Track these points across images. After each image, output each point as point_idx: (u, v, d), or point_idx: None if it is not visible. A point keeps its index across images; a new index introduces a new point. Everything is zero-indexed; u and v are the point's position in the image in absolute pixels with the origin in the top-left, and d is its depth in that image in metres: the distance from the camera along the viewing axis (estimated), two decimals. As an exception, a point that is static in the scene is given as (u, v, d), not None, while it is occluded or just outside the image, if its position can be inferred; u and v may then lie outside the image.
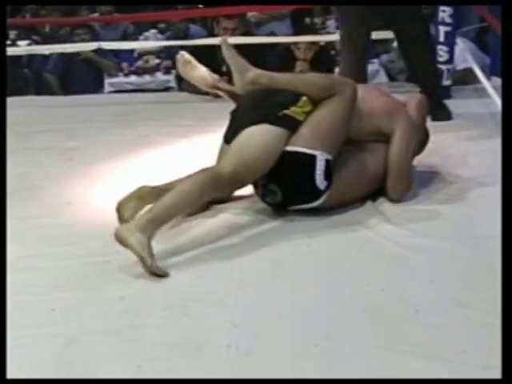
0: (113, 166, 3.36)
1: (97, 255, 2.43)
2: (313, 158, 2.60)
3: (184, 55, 2.95)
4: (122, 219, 2.55)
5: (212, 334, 1.97)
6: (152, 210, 2.46)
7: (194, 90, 4.16)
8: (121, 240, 2.32)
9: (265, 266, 2.36)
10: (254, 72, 2.71)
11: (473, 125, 3.73)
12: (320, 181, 2.62)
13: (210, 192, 2.57)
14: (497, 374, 1.72)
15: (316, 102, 2.67)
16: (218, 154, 2.75)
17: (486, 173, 3.04)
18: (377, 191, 2.82)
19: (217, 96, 3.18)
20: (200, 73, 2.88)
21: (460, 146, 3.40)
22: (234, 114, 2.80)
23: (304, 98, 2.65)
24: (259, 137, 2.60)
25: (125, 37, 7.04)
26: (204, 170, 2.57)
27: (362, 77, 3.80)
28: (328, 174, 2.63)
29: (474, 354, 1.84)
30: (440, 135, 3.35)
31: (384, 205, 2.76)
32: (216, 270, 2.34)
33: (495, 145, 3.36)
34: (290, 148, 2.62)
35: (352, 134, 2.74)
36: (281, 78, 2.73)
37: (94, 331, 2.01)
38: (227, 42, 2.85)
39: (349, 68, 3.88)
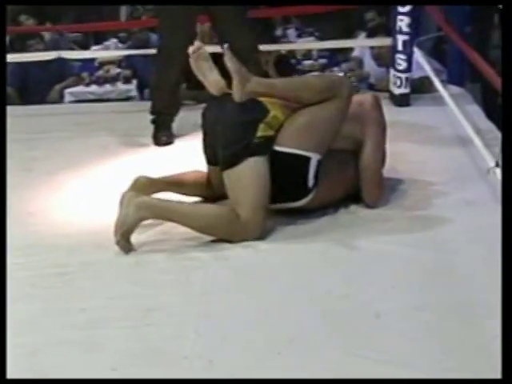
0: (73, 175, 3.34)
1: (56, 266, 2.41)
2: (307, 159, 2.61)
3: (201, 48, 2.70)
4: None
5: (175, 343, 1.97)
6: (161, 202, 2.60)
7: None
8: (121, 202, 2.56)
9: (227, 276, 2.36)
10: (253, 82, 2.60)
11: (432, 132, 3.78)
12: (310, 180, 2.64)
13: (220, 228, 2.55)
14: (456, 376, 1.75)
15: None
16: (208, 173, 2.80)
17: (446, 178, 3.08)
18: (351, 196, 2.83)
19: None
20: (214, 77, 2.67)
21: (420, 152, 3.44)
22: (205, 129, 2.76)
23: (272, 113, 2.61)
24: (252, 175, 2.56)
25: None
26: (229, 207, 2.57)
27: None
28: (317, 174, 2.65)
29: (432, 357, 1.86)
30: (401, 142, 3.39)
31: (344, 215, 2.78)
32: (178, 280, 2.34)
33: (454, 150, 3.42)
34: (282, 149, 2.60)
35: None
36: (279, 85, 2.68)
37: (56, 342, 2.00)
38: (229, 52, 2.61)
39: None
